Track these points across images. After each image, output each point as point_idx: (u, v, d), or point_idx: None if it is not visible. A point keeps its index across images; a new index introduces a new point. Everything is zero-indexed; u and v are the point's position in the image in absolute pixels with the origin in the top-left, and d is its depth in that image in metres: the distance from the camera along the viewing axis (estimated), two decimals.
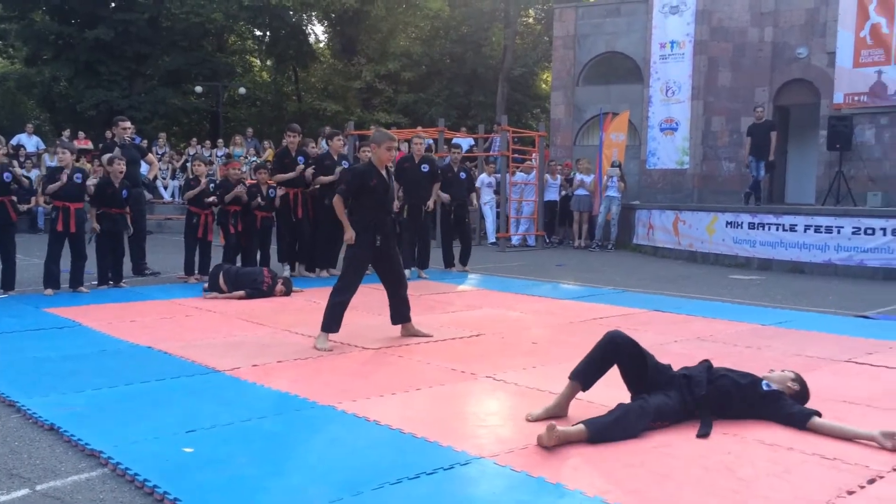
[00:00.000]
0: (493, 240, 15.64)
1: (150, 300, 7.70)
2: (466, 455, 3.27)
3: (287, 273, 9.20)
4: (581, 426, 3.41)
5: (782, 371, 3.93)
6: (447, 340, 5.84)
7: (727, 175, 16.99)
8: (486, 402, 4.24)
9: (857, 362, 5.17)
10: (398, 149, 16.13)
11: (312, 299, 7.89)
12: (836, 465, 3.15)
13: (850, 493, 2.87)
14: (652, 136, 17.23)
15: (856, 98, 15.63)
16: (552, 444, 3.30)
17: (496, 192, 15.74)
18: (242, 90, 25.73)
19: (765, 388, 3.69)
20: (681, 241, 13.08)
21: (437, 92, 25.69)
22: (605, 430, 3.40)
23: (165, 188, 19.50)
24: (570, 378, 3.80)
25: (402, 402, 4.15)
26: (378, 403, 4.07)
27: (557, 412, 3.74)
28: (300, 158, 9.34)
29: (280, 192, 9.21)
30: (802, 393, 3.80)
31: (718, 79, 16.84)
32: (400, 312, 5.80)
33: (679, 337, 6.01)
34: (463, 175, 10.40)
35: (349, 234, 5.52)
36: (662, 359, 3.92)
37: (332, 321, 5.49)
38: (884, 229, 10.31)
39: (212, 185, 8.95)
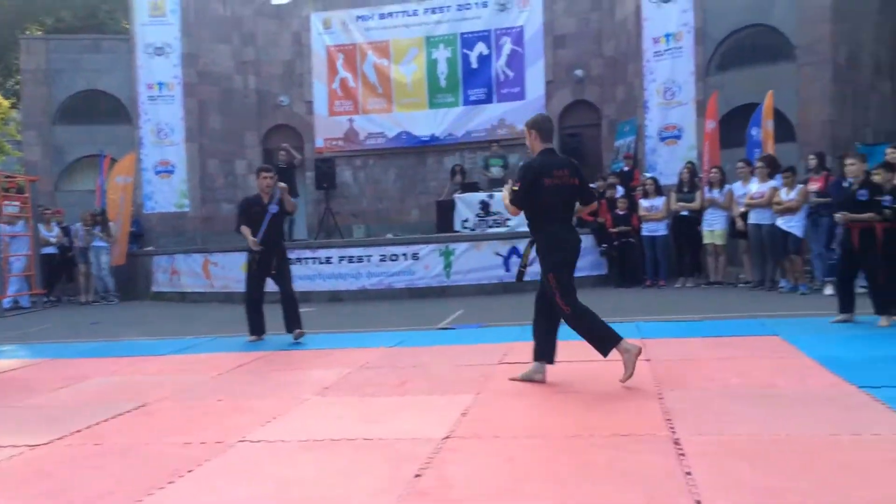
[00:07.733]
0: None
1: None
2: None
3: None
4: None
5: None
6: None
7: (227, 216, 17.25)
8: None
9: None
10: None
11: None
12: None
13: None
14: (147, 179, 16.50)
15: (334, 143, 17.51)
16: None
17: None
18: None
19: None
20: (214, 283, 12.87)
21: None
22: None
23: None
24: None
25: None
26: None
27: None
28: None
29: None
30: None
31: (210, 122, 17.03)
32: None
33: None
34: None
35: None
36: None
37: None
38: (405, 254, 11.85)
39: None
